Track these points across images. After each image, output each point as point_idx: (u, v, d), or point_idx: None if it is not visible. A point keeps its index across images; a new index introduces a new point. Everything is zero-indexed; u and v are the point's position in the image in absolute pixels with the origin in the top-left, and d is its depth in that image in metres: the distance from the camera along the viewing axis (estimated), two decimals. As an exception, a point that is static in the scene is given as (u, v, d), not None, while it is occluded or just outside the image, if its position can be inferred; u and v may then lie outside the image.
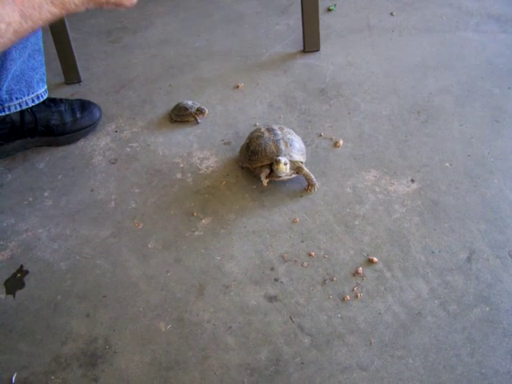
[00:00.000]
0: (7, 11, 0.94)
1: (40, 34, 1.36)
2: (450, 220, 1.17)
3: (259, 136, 1.30)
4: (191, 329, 1.04)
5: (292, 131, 1.33)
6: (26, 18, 0.97)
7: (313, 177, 1.26)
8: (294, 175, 1.27)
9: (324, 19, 1.80)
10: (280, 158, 1.22)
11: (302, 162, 1.27)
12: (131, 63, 1.75)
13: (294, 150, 1.26)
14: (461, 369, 0.93)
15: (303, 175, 1.27)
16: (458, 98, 1.46)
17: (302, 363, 0.97)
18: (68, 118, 1.45)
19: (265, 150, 1.26)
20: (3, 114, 1.37)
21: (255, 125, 1.45)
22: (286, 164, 1.22)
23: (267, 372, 0.96)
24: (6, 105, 1.36)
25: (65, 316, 1.08)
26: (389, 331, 0.99)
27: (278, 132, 1.29)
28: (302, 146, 1.31)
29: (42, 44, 1.39)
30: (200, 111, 1.48)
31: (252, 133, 1.33)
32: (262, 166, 1.26)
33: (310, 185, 1.27)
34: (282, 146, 1.26)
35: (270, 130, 1.30)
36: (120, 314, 1.07)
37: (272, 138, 1.27)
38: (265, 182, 1.25)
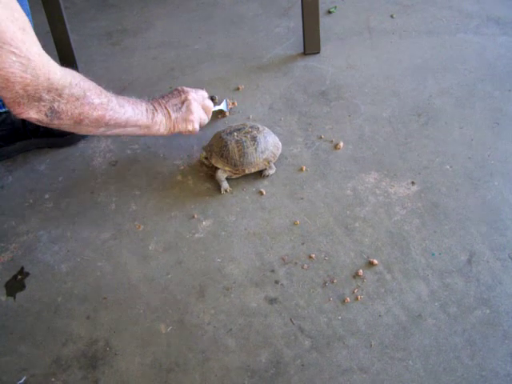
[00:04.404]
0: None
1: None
2: (450, 222, 1.17)
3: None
4: (191, 331, 1.04)
5: (246, 139, 1.30)
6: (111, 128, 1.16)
7: (219, 180, 1.29)
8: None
9: (324, 21, 1.80)
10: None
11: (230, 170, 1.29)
12: (132, 65, 1.75)
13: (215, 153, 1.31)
14: (461, 371, 0.93)
15: None
16: (458, 101, 1.46)
17: (303, 365, 0.97)
18: None
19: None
20: (3, 109, 1.37)
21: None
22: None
23: (267, 374, 0.96)
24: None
25: (65, 318, 1.08)
26: (389, 333, 1.00)
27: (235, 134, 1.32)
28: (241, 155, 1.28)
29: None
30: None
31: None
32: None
33: None
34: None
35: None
36: (120, 315, 1.08)
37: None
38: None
